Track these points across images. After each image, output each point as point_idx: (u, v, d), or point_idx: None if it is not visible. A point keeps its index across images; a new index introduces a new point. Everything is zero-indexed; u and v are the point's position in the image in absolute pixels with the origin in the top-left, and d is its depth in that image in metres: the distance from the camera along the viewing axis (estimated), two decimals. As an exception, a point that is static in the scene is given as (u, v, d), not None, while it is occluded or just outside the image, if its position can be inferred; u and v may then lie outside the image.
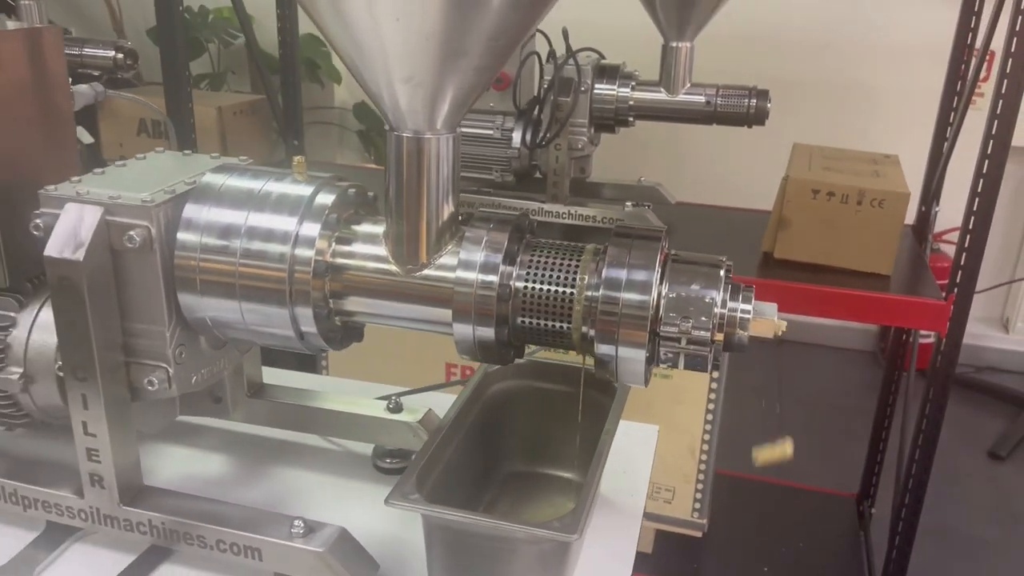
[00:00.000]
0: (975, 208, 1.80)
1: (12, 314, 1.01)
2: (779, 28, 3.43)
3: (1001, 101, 1.71)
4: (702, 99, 2.06)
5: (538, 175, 2.15)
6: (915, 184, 2.24)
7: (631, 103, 2.08)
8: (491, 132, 2.07)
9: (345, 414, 1.18)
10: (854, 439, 2.90)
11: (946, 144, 2.22)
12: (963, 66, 2.24)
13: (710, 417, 2.08)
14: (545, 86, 2.02)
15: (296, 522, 0.93)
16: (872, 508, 2.62)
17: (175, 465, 1.17)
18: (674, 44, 2.03)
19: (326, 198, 0.92)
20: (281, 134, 2.53)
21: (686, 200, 2.40)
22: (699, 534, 2.20)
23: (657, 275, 0.83)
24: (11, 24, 1.03)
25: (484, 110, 2.06)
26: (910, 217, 2.26)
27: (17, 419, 1.06)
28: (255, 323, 0.92)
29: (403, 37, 0.78)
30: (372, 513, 1.03)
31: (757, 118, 2.03)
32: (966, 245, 1.83)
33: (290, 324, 0.92)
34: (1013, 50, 1.68)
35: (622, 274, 0.83)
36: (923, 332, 2.55)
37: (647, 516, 1.13)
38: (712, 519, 2.27)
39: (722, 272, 0.84)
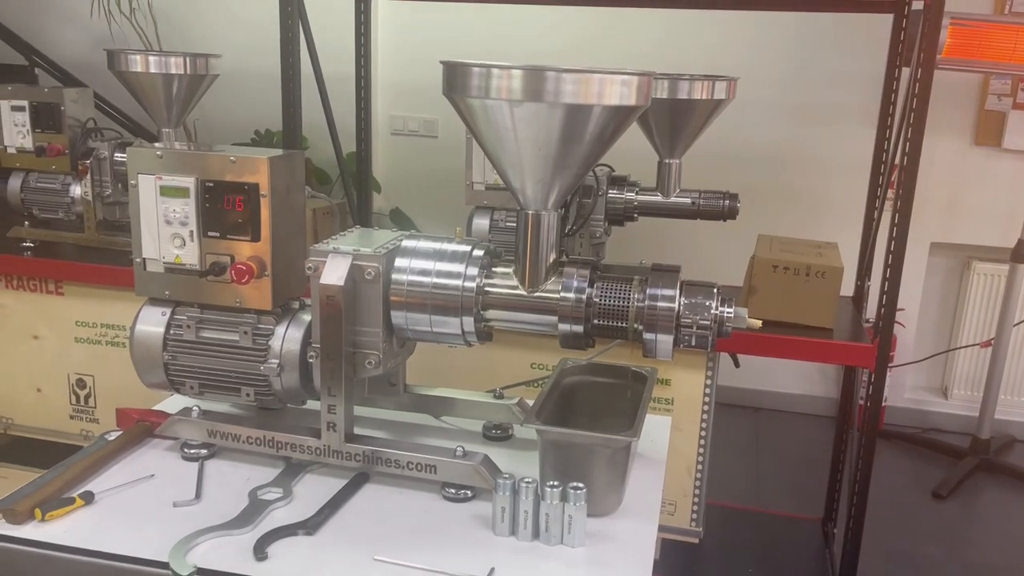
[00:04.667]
0: (888, 274, 2.46)
1: (271, 327, 1.62)
2: (744, 147, 4.14)
3: (900, 202, 2.39)
4: (688, 201, 2.73)
5: (565, 258, 2.78)
6: (852, 265, 2.90)
7: (635, 204, 2.73)
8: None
9: (467, 400, 1.76)
10: (817, 479, 3.47)
11: (871, 235, 2.91)
12: (880, 175, 2.95)
13: (702, 443, 2.65)
14: (571, 191, 2.69)
15: (458, 448, 1.51)
16: (835, 528, 3.18)
17: (354, 435, 1.73)
18: (667, 160, 2.71)
19: (479, 252, 1.53)
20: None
21: (676, 279, 3.03)
22: (696, 540, 2.74)
23: (678, 291, 1.46)
24: (275, 152, 1.66)
25: (524, 208, 2.72)
26: (849, 289, 2.92)
27: (267, 396, 1.64)
28: (438, 328, 1.51)
29: (538, 158, 1.42)
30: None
31: (730, 214, 2.70)
32: (883, 299, 2.48)
33: (459, 328, 1.51)
34: (905, 164, 2.37)
35: (659, 291, 1.46)
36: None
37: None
38: (706, 534, 2.81)
39: (715, 290, 1.47)
